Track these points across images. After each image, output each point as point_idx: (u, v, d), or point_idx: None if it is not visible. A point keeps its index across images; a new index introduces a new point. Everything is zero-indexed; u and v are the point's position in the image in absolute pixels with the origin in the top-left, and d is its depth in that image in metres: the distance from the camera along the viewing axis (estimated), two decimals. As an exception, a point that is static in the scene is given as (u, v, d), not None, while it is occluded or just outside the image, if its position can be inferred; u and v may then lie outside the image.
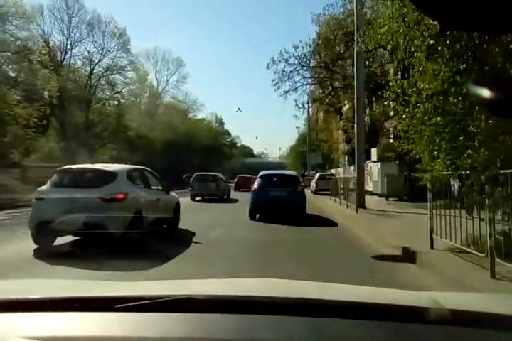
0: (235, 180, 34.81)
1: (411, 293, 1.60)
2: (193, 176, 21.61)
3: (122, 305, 1.11)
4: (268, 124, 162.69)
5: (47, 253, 6.49)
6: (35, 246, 6.89)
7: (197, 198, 20.27)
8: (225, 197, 21.63)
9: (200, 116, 66.13)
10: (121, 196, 7.02)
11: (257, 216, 11.75)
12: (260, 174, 13.03)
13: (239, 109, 37.50)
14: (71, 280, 1.98)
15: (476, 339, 1.06)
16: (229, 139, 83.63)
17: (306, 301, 1.20)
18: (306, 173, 52.26)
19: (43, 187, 7.28)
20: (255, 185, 12.38)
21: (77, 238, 7.46)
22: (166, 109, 55.72)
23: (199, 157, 54.84)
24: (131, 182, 7.61)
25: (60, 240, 7.28)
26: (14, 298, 1.22)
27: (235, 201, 19.90)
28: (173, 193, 9.69)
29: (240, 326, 1.06)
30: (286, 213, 11.29)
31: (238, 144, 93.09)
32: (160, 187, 8.92)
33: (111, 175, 7.32)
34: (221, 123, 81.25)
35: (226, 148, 77.02)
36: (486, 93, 1.00)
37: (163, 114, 53.77)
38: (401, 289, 1.83)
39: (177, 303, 1.12)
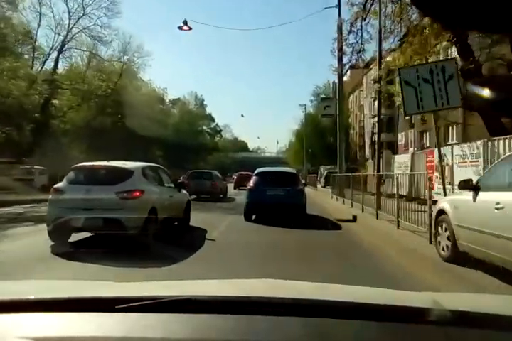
0: (234, 177, 33.52)
1: (411, 293, 1.60)
2: (188, 174, 21.30)
3: (122, 306, 1.11)
4: (263, 115, 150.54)
5: (62, 249, 6.50)
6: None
7: (191, 197, 20.05)
8: (222, 196, 21.19)
9: (147, 74, 46.35)
10: (137, 193, 7.10)
11: (253, 217, 11.10)
12: (256, 171, 12.34)
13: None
14: (71, 280, 1.95)
15: (476, 340, 1.07)
16: (212, 126, 66.92)
17: (306, 302, 1.20)
18: (312, 169, 38.57)
19: (60, 184, 7.33)
20: (251, 184, 11.71)
21: (93, 234, 7.50)
22: (83, 56, 34.69)
23: (165, 147, 41.37)
24: (146, 180, 7.69)
25: (75, 236, 7.29)
26: (14, 299, 1.21)
27: (232, 200, 19.43)
28: (184, 191, 9.76)
29: (240, 327, 1.07)
30: (284, 214, 10.60)
31: (229, 136, 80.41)
32: (172, 185, 9.01)
33: (127, 173, 7.41)
34: (202, 105, 64.19)
35: (208, 136, 63.80)
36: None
37: (78, 64, 34.17)
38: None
39: (177, 304, 1.12)
